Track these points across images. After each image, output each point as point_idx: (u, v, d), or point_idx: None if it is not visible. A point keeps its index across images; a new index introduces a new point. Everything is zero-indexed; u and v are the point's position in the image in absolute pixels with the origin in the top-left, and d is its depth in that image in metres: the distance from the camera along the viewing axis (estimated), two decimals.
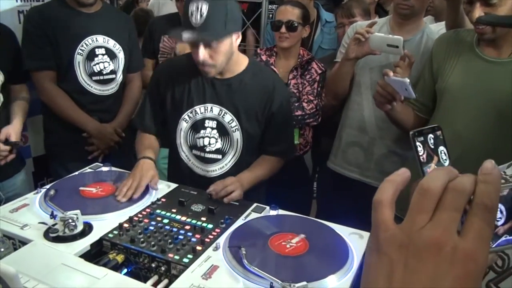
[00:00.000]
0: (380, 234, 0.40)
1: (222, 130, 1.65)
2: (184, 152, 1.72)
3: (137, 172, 1.54)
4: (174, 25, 2.35)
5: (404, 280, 0.38)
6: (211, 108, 1.64)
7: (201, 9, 1.42)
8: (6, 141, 1.80)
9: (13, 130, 1.84)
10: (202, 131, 1.66)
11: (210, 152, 1.68)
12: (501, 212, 0.42)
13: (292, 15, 2.16)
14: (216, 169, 1.69)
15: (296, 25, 2.15)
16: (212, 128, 1.66)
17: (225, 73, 1.63)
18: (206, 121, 1.65)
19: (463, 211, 0.38)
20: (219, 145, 1.67)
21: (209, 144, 1.67)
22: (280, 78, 1.84)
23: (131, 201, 1.44)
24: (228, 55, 1.55)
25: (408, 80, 1.42)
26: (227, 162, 1.69)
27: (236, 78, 1.64)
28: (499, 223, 0.42)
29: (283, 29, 2.15)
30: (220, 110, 1.64)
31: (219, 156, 1.68)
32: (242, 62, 1.66)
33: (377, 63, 1.91)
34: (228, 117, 1.64)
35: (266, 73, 1.75)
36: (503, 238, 0.42)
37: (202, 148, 1.67)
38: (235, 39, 1.55)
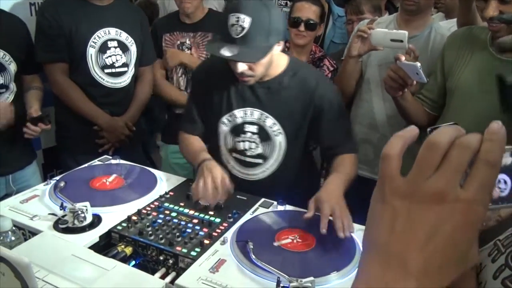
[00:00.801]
0: (386, 185, 0.42)
1: (264, 135, 1.58)
2: (224, 155, 1.68)
3: (214, 173, 1.44)
4: (174, 22, 2.37)
5: (406, 227, 0.40)
6: (251, 112, 1.58)
7: (242, 22, 1.33)
8: (32, 120, 1.82)
9: (34, 111, 1.86)
10: (242, 135, 1.60)
11: (251, 156, 1.62)
12: (505, 182, 0.43)
13: (311, 13, 2.13)
14: (257, 173, 1.65)
15: (315, 23, 2.13)
16: (253, 133, 1.59)
17: (264, 77, 1.54)
18: (246, 126, 1.59)
19: (468, 167, 0.39)
20: (260, 150, 1.60)
21: (250, 148, 1.61)
22: (323, 75, 1.72)
23: (139, 193, 1.45)
24: (267, 65, 1.47)
25: (419, 64, 1.40)
26: (269, 166, 1.62)
27: (275, 80, 1.56)
28: (504, 194, 0.43)
29: (302, 27, 2.12)
30: (261, 114, 1.57)
31: (261, 161, 1.62)
32: (281, 63, 1.56)
33: (386, 60, 1.90)
34: (269, 121, 1.56)
35: (307, 71, 1.62)
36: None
37: (243, 152, 1.62)
38: (277, 46, 1.46)
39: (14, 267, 0.69)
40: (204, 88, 1.66)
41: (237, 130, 1.61)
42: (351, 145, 1.63)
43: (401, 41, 1.59)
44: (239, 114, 1.59)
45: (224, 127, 1.63)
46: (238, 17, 1.34)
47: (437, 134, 0.41)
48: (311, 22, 2.12)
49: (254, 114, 1.58)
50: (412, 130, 0.44)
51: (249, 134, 1.60)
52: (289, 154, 1.61)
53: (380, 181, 0.43)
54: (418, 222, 0.39)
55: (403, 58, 1.45)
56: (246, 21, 1.33)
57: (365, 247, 0.44)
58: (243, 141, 1.60)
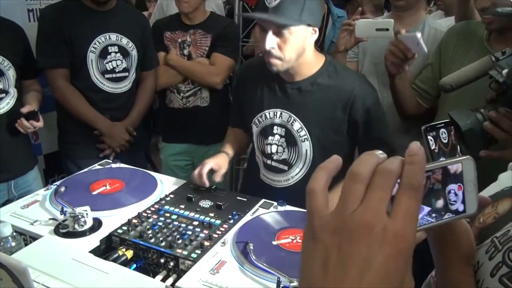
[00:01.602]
0: (314, 221, 0.41)
1: (290, 139, 1.53)
2: (258, 157, 1.67)
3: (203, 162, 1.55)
4: (175, 22, 2.37)
5: (338, 264, 0.38)
6: (280, 114, 1.53)
7: None
8: (24, 116, 1.84)
9: (26, 108, 1.87)
10: (270, 138, 1.57)
11: (277, 161, 1.58)
12: (456, 194, 0.43)
13: None
14: (281, 180, 1.60)
15: None
16: (281, 136, 1.55)
17: (295, 76, 1.49)
18: (275, 128, 1.55)
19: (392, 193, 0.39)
20: (285, 155, 1.55)
21: (277, 152, 1.56)
22: (364, 79, 1.59)
23: (139, 197, 1.45)
24: (298, 51, 1.41)
25: (419, 34, 1.39)
26: (294, 174, 1.56)
27: (308, 81, 1.49)
28: (454, 207, 0.43)
29: None
30: (289, 116, 1.51)
31: (285, 167, 1.57)
32: (316, 63, 1.50)
33: (381, 58, 1.90)
34: (297, 125, 1.51)
35: (345, 73, 1.53)
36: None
37: (270, 156, 1.59)
38: (310, 34, 1.42)
39: (12, 272, 0.70)
40: (243, 86, 1.66)
41: (266, 131, 1.58)
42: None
43: (387, 29, 1.53)
44: (269, 115, 1.56)
45: (255, 127, 1.61)
46: None
47: (358, 163, 0.40)
48: None
49: (282, 115, 1.53)
50: (335, 160, 0.43)
51: (277, 137, 1.56)
52: (316, 164, 1.46)
53: (308, 217, 0.42)
54: (350, 257, 0.38)
55: (403, 31, 1.44)
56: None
57: None
58: (271, 144, 1.57)
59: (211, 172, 1.55)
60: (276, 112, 1.54)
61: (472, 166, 0.42)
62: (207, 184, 1.50)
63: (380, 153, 0.41)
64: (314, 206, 0.41)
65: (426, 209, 0.42)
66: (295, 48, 1.40)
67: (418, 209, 0.39)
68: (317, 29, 1.43)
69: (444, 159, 0.44)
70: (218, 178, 1.53)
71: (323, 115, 1.49)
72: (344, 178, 0.40)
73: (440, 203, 0.42)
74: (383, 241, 0.37)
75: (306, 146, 1.52)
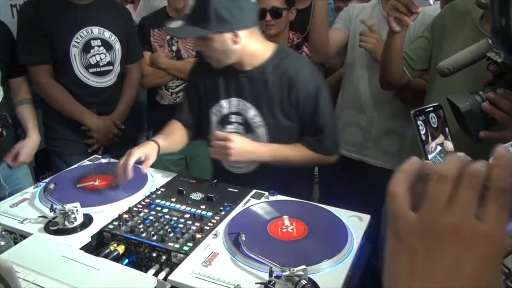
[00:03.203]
0: (398, 224, 0.41)
1: (247, 126, 1.58)
2: None
3: (129, 150, 1.47)
4: (162, 18, 2.34)
5: (427, 267, 0.38)
6: (236, 102, 1.58)
7: (190, 1, 1.41)
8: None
9: (25, 149, 1.92)
10: (229, 126, 1.61)
11: None
12: None
13: (275, 1, 2.11)
14: (241, 167, 1.64)
15: (280, 10, 2.11)
16: (239, 124, 1.59)
17: (245, 66, 1.54)
18: (232, 116, 1.60)
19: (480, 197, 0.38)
20: None
21: None
22: (308, 64, 1.65)
23: (130, 191, 1.44)
24: (224, 53, 1.47)
25: None
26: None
27: (257, 70, 1.54)
28: None
29: (268, 17, 2.11)
30: (244, 104, 1.57)
31: None
32: (265, 51, 1.55)
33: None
34: (251, 112, 1.56)
35: (291, 60, 1.57)
36: None
37: None
38: (230, 37, 1.44)
39: None
40: (198, 81, 1.67)
41: (224, 121, 1.61)
42: (311, 140, 1.57)
43: None
44: (225, 104, 1.60)
45: (214, 117, 1.63)
46: None
47: (445, 165, 0.40)
48: (277, 9, 2.10)
49: (238, 104, 1.58)
50: (415, 162, 0.43)
51: (235, 125, 1.60)
52: None
53: (392, 220, 0.42)
54: (438, 260, 0.38)
55: None
56: (191, 2, 1.40)
57: None
58: (230, 132, 1.59)
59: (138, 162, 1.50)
60: (232, 101, 1.59)
61: None
62: (130, 176, 1.43)
63: (464, 155, 0.41)
64: (397, 208, 0.41)
65: None
66: (219, 52, 1.47)
67: (507, 213, 0.38)
68: (238, 32, 1.44)
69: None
70: (145, 168, 1.48)
71: (273, 101, 1.54)
72: (430, 180, 0.40)
73: None
74: (473, 244, 0.37)
75: (262, 132, 1.57)
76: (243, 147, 1.48)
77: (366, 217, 1.32)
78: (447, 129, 0.61)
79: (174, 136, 1.68)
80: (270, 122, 1.55)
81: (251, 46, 1.50)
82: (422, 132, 0.58)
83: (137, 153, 1.45)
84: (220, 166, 1.68)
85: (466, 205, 0.38)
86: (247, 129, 1.59)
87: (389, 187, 0.42)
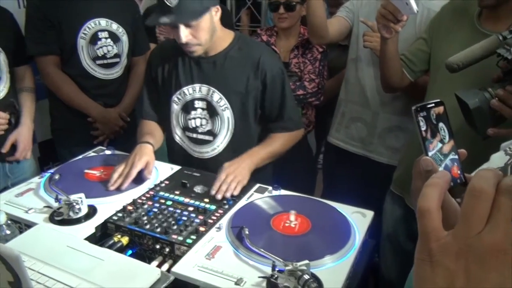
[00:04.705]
0: (431, 244, 0.38)
1: (212, 111, 1.62)
2: (178, 135, 1.71)
3: (131, 159, 1.49)
4: None
5: None
6: (200, 88, 1.62)
7: None
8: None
9: (22, 136, 1.91)
10: (193, 112, 1.64)
11: (202, 133, 1.66)
12: None
13: None
14: (208, 151, 1.68)
15: (294, 4, 2.12)
16: (203, 109, 1.63)
17: (210, 51, 1.59)
18: (196, 102, 1.63)
19: None
20: (209, 126, 1.65)
21: (201, 125, 1.65)
22: (269, 49, 1.77)
23: (134, 183, 1.45)
24: (211, 32, 1.52)
25: None
26: (219, 143, 1.66)
27: (221, 55, 1.60)
28: None
29: (281, 10, 2.12)
30: (208, 89, 1.61)
31: (211, 138, 1.66)
32: (226, 38, 1.62)
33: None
34: (216, 96, 1.60)
35: (253, 45, 1.68)
36: None
37: (194, 129, 1.66)
38: (214, 12, 1.52)
39: (5, 260, 0.70)
40: (155, 71, 1.69)
41: (187, 107, 1.64)
42: (285, 123, 1.67)
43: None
44: (188, 91, 1.63)
45: (175, 105, 1.66)
46: None
47: (480, 180, 0.37)
48: (290, 3, 2.10)
49: (202, 89, 1.62)
50: (444, 175, 0.41)
51: (199, 111, 1.64)
52: (238, 131, 1.64)
53: (423, 239, 0.39)
54: (480, 283, 0.35)
55: None
56: None
57: None
58: (194, 118, 1.64)
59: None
60: (195, 87, 1.63)
61: None
62: (126, 185, 1.42)
63: (496, 170, 0.39)
64: (430, 226, 0.39)
65: None
66: (208, 31, 1.51)
67: None
68: (218, 7, 1.52)
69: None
70: (149, 175, 1.49)
71: (239, 83, 1.60)
72: (465, 196, 0.38)
73: None
74: None
75: (228, 114, 1.62)
76: (238, 168, 1.48)
77: (370, 213, 1.32)
78: (444, 126, 0.60)
79: (156, 133, 1.71)
80: (235, 105, 1.61)
81: (218, 29, 1.56)
82: (423, 129, 0.57)
83: (138, 165, 1.46)
84: (184, 155, 1.71)
85: (506, 223, 0.35)
86: (211, 113, 1.63)
87: (419, 203, 0.39)
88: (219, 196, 1.37)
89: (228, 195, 1.38)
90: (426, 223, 0.39)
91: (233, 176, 1.43)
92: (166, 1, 1.41)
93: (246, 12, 3.34)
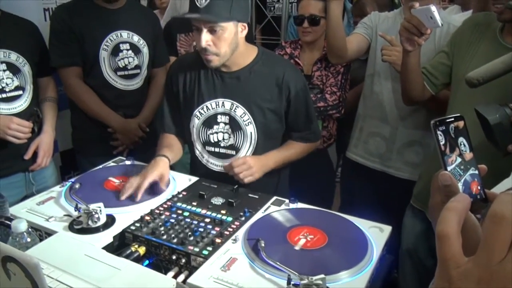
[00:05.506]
0: (451, 271, 0.37)
1: (235, 125, 1.63)
2: (198, 150, 1.71)
3: (144, 171, 1.49)
4: (189, 23, 2.37)
5: None
6: (223, 102, 1.62)
7: None
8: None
9: (43, 143, 1.96)
10: (215, 127, 1.65)
11: (224, 147, 1.67)
12: None
13: (315, 9, 2.14)
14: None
15: (318, 18, 2.13)
16: (225, 124, 1.64)
17: (232, 66, 1.61)
18: (219, 116, 1.64)
19: None
20: (232, 140, 1.65)
21: (223, 139, 1.66)
22: (292, 64, 1.81)
23: (150, 195, 1.46)
24: (232, 46, 1.53)
25: (434, 7, 1.31)
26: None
27: (245, 70, 1.61)
28: None
29: (306, 24, 2.14)
30: (232, 104, 1.61)
31: (233, 152, 1.67)
32: (250, 53, 1.63)
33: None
34: (240, 111, 1.61)
35: (277, 61, 1.70)
36: None
37: (217, 144, 1.67)
38: (241, 30, 1.53)
39: (24, 267, 0.71)
40: (176, 85, 1.70)
41: (210, 121, 1.65)
42: (307, 135, 1.71)
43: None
44: (211, 105, 1.64)
45: (197, 120, 1.66)
46: None
47: (502, 205, 0.36)
48: (315, 17, 2.12)
49: (225, 104, 1.62)
50: (464, 200, 0.40)
51: (221, 125, 1.65)
52: (260, 145, 1.65)
53: (442, 266, 0.38)
54: None
55: (417, 4, 1.40)
56: None
57: None
58: (216, 132, 1.65)
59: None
60: (218, 102, 1.63)
61: None
62: (139, 196, 1.42)
63: None
64: (449, 252, 0.38)
65: None
66: (229, 43, 1.51)
67: None
68: (246, 25, 1.55)
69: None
70: (163, 187, 1.50)
71: (262, 99, 1.61)
72: (485, 221, 0.37)
73: None
74: None
75: (251, 129, 1.63)
76: (258, 163, 1.56)
77: (388, 228, 1.30)
78: (464, 141, 0.59)
79: (174, 147, 1.72)
80: (259, 120, 1.62)
81: (242, 46, 1.58)
82: (442, 143, 0.56)
83: (150, 176, 1.46)
84: (204, 170, 1.71)
85: None
86: (233, 128, 1.63)
87: (438, 227, 0.38)
88: (226, 169, 1.49)
89: (233, 174, 1.49)
90: (445, 249, 0.38)
91: (248, 166, 1.50)
92: (196, 1, 1.44)
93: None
